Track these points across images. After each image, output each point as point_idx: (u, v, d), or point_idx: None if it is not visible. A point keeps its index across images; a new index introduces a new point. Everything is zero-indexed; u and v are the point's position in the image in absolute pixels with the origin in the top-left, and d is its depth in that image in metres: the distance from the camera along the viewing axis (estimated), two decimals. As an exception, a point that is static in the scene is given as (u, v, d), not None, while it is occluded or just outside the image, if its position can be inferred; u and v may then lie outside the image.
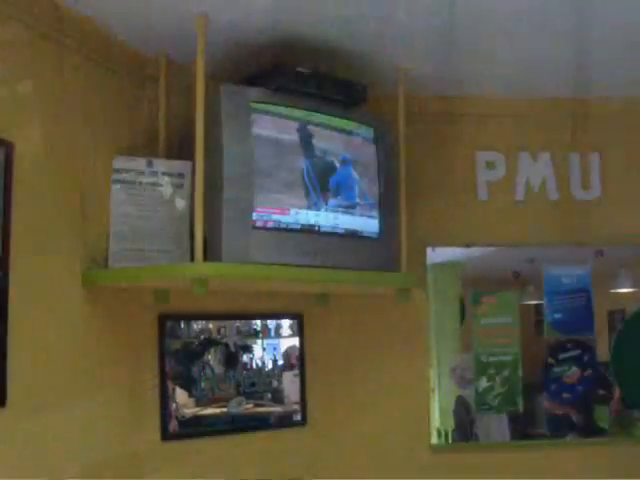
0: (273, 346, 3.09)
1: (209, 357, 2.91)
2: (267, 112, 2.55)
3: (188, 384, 2.85)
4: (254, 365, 3.02)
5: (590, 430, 3.56)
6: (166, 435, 2.79)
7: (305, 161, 2.62)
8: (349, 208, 2.72)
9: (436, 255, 3.36)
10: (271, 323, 3.08)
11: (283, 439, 3.07)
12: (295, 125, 2.61)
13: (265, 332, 3.07)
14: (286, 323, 3.12)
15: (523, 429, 3.76)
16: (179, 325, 2.86)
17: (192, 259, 2.42)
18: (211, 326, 2.94)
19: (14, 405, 2.13)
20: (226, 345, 2.96)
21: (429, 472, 3.19)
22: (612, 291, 5.09)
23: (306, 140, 2.63)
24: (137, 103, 2.81)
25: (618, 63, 2.95)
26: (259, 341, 3.05)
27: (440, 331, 3.66)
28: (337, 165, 2.70)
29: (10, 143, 2.15)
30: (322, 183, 2.65)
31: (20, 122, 2.23)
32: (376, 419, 3.21)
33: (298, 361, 3.13)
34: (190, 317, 2.88)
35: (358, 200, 2.75)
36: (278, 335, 3.11)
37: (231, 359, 2.97)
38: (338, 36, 2.65)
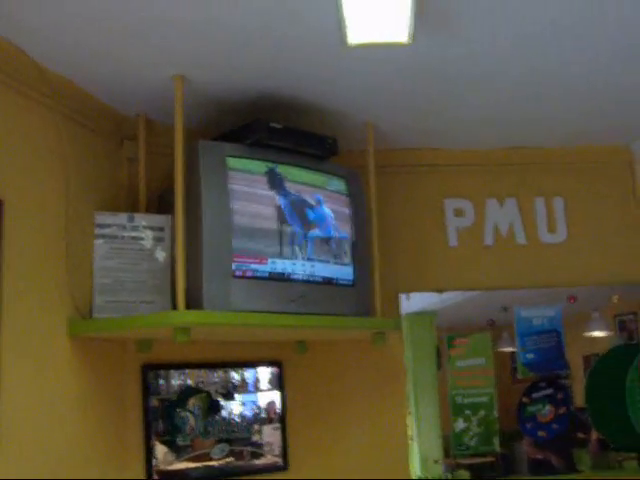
0: (252, 400, 3.14)
1: (191, 406, 2.96)
2: (242, 169, 2.65)
3: (172, 433, 2.90)
4: (233, 420, 3.06)
5: (571, 473, 3.60)
6: (151, 484, 2.83)
7: (281, 199, 2.70)
8: (328, 242, 2.80)
9: (411, 304, 3.43)
10: (249, 377, 3.13)
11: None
12: (266, 176, 2.70)
13: (243, 387, 3.12)
14: (265, 377, 3.18)
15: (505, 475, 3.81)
16: (162, 375, 2.92)
17: (174, 308, 2.50)
18: (190, 382, 2.99)
19: (3, 455, 2.18)
20: (208, 393, 3.01)
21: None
22: (586, 334, 5.15)
23: (279, 182, 2.72)
24: (117, 161, 2.91)
25: (576, 115, 3.10)
26: (237, 396, 3.10)
27: (417, 379, 3.72)
28: (313, 203, 2.80)
29: (0, 200, 2.24)
30: (301, 216, 2.74)
31: (8, 180, 2.32)
32: (356, 463, 3.25)
33: (280, 409, 3.17)
34: (172, 367, 2.95)
35: (335, 234, 2.83)
36: (257, 389, 3.16)
37: (214, 407, 3.02)
38: (310, 93, 2.77)
